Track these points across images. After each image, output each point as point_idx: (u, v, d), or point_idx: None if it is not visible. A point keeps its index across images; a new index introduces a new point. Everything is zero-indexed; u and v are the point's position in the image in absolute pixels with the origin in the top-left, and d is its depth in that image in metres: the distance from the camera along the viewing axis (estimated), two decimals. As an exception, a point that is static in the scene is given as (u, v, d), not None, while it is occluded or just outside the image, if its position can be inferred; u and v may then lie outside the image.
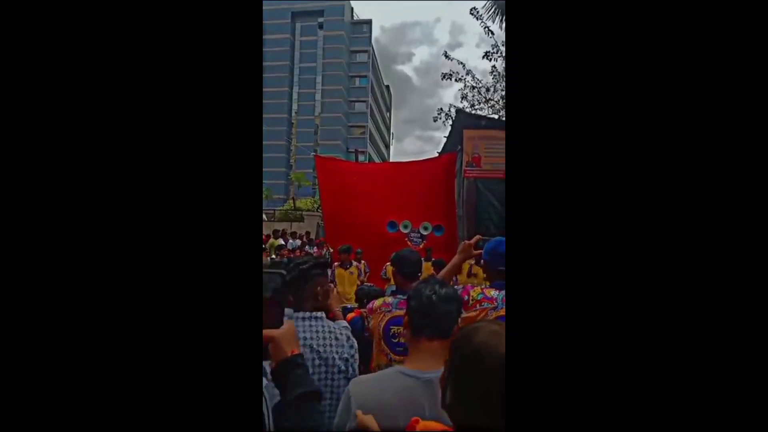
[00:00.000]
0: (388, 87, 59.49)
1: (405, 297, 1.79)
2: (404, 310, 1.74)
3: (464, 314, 1.49)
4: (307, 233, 10.86)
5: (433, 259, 5.41)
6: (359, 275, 5.54)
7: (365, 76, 45.57)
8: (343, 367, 1.31)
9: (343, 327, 1.41)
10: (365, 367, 1.81)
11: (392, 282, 4.08)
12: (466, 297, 1.53)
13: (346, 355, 1.33)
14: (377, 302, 1.88)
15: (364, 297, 2.69)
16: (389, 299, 1.88)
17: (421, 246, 6.12)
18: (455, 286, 1.64)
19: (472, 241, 1.68)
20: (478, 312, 1.49)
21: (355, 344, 1.40)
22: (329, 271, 5.27)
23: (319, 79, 43.44)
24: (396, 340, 1.75)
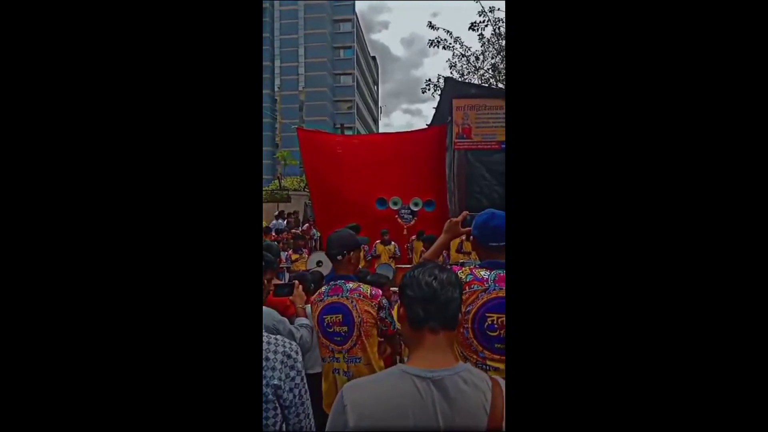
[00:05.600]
0: (374, 58, 57.71)
1: (336, 284, 1.66)
2: (337, 296, 1.62)
3: None
4: (295, 212, 10.62)
5: (425, 235, 5.27)
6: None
7: (350, 47, 43.97)
8: (270, 396, 1.04)
9: (281, 342, 1.11)
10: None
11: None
12: None
13: (276, 381, 1.05)
14: (315, 294, 1.75)
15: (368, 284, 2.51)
16: (323, 288, 1.73)
17: (412, 223, 5.95)
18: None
19: (459, 218, 1.49)
20: (468, 295, 1.30)
21: (297, 364, 1.08)
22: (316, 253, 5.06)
23: (301, 51, 41.76)
24: (331, 330, 1.64)
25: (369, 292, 1.65)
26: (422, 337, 0.81)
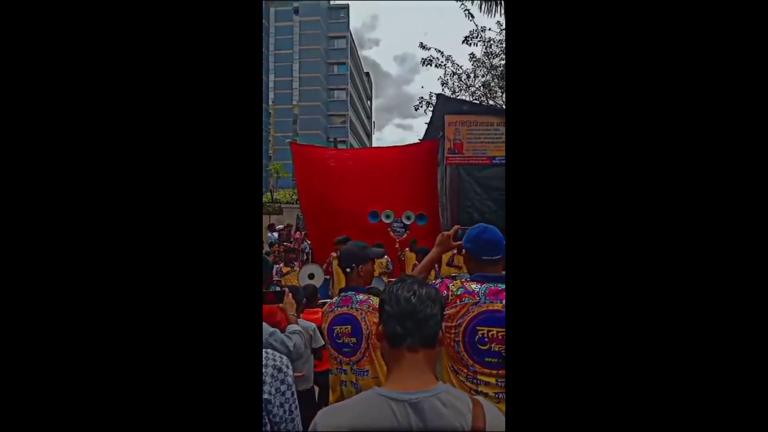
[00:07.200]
0: (368, 74, 58.62)
1: (347, 295, 1.65)
2: (347, 308, 1.61)
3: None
4: (288, 226, 10.57)
5: (417, 247, 5.28)
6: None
7: (344, 63, 44.64)
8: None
9: (271, 355, 1.08)
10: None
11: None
12: (444, 292, 1.35)
13: (266, 396, 1.03)
14: (327, 305, 1.74)
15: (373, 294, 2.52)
16: (334, 299, 1.73)
17: (404, 236, 5.97)
18: (434, 281, 1.47)
19: (450, 232, 1.52)
20: (458, 308, 1.32)
21: (288, 378, 1.07)
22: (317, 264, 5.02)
23: (296, 66, 42.28)
24: (340, 341, 1.63)
25: (378, 304, 1.65)
26: (401, 357, 0.78)
